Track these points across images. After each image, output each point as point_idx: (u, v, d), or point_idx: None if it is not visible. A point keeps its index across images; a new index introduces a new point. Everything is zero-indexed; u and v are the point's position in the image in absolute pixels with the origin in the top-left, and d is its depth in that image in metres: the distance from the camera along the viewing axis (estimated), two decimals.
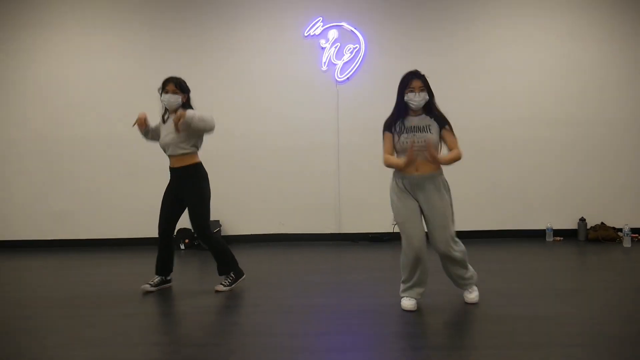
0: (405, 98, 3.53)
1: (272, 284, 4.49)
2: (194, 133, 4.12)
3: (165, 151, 4.24)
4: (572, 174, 6.36)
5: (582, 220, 6.25)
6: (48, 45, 6.49)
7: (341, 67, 6.31)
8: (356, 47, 6.30)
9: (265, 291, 4.24)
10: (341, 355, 2.82)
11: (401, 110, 3.55)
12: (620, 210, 6.24)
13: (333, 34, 6.28)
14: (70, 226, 6.54)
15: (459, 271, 3.61)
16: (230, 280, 4.25)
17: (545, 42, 6.34)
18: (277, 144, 6.41)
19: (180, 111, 4.02)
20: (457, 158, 3.50)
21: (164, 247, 4.30)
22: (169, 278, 4.38)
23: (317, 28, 6.29)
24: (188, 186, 4.19)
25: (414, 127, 3.51)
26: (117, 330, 3.29)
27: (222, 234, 6.33)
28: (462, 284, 3.67)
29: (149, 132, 4.25)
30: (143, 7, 6.45)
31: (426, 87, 3.52)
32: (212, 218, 6.28)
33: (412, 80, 3.53)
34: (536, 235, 6.33)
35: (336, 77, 6.32)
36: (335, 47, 6.29)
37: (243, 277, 4.35)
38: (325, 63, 6.32)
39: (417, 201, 3.54)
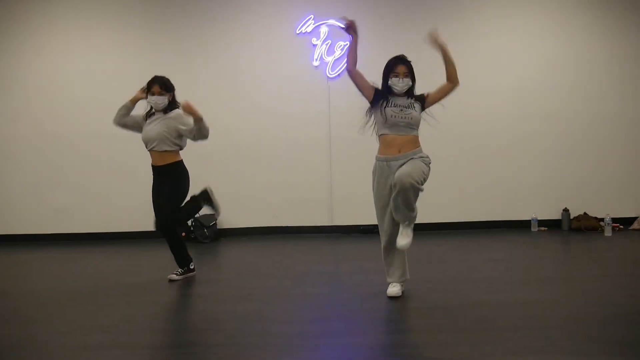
0: (389, 82, 3.63)
1: (267, 274, 4.68)
2: (188, 135, 4.27)
3: (147, 145, 4.28)
4: (556, 167, 6.57)
5: (566, 210, 6.47)
6: (48, 45, 6.60)
7: (332, 64, 6.46)
8: (347, 44, 6.45)
9: (261, 281, 4.43)
10: (334, 340, 3.01)
11: (384, 91, 3.66)
12: (602, 201, 6.46)
13: (324, 31, 6.43)
14: (69, 221, 6.68)
15: (409, 205, 3.49)
16: (183, 270, 4.42)
17: (530, 39, 6.53)
18: (270, 138, 6.57)
19: (198, 113, 4.13)
20: (453, 65, 3.71)
21: (170, 239, 4.36)
22: (192, 267, 4.50)
23: (308, 26, 6.44)
24: (168, 183, 4.27)
25: (399, 104, 3.60)
26: (121, 317, 3.45)
27: (217, 227, 6.49)
28: (398, 217, 3.59)
29: (130, 112, 4.37)
30: (140, 8, 6.57)
31: (410, 73, 3.63)
32: (207, 212, 6.52)
33: (398, 65, 3.63)
34: (522, 226, 6.55)
35: (327, 74, 6.49)
36: (327, 44, 6.45)
37: (193, 273, 4.51)
38: (316, 60, 6.47)
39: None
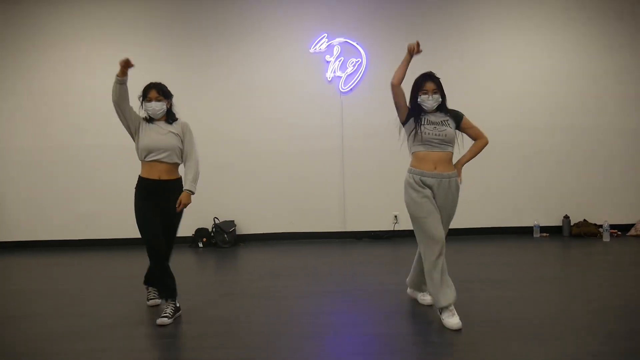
0: (419, 100, 3.55)
1: (285, 275, 5.05)
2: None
3: (149, 154, 3.78)
4: (557, 176, 6.92)
5: (566, 217, 6.81)
6: (72, 59, 6.98)
7: (345, 79, 6.86)
8: (358, 60, 6.85)
9: (279, 281, 4.80)
10: (351, 329, 3.40)
11: (415, 109, 3.58)
12: (601, 208, 6.80)
13: (337, 48, 6.83)
14: (95, 227, 7.08)
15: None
16: (172, 310, 3.71)
17: (531, 56, 6.89)
18: (286, 149, 6.96)
19: (183, 198, 3.73)
20: (484, 144, 3.66)
21: (165, 268, 3.78)
22: (178, 304, 3.82)
23: (322, 44, 6.84)
24: (174, 203, 3.78)
25: (433, 122, 3.54)
26: (152, 313, 3.83)
27: (236, 233, 6.88)
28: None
29: (124, 85, 3.84)
30: (162, 24, 6.97)
31: (439, 89, 3.55)
32: (227, 218, 6.92)
33: (426, 82, 3.54)
34: (525, 232, 6.89)
35: (340, 88, 6.88)
36: (339, 61, 6.85)
37: (180, 312, 3.84)
38: (330, 75, 6.88)
39: (434, 197, 3.53)
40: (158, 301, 4.02)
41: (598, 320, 3.40)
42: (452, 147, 3.59)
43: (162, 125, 3.85)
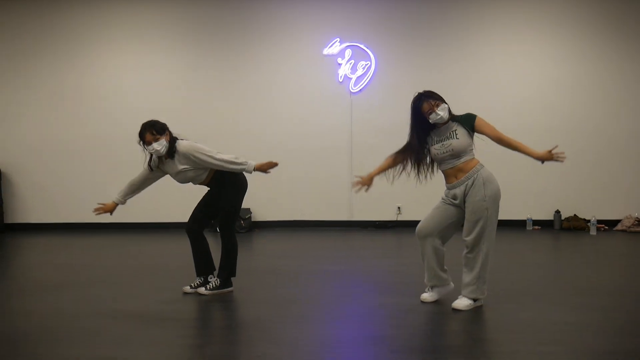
0: (431, 121, 3.60)
1: (296, 256, 5.68)
2: (200, 166, 3.98)
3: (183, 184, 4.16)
4: (549, 174, 7.40)
5: (557, 212, 7.34)
6: (108, 60, 7.67)
7: (355, 81, 7.44)
8: (368, 63, 7.42)
9: (291, 261, 5.42)
10: (353, 299, 4.01)
11: (422, 134, 3.69)
12: (589, 204, 7.32)
13: (348, 52, 7.41)
14: (123, 212, 7.71)
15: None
16: (213, 286, 4.10)
17: (529, 62, 7.42)
18: (299, 144, 7.56)
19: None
20: (512, 141, 3.70)
21: (192, 243, 4.23)
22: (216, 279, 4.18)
23: (334, 47, 7.42)
24: (221, 192, 4.13)
25: (439, 139, 3.65)
26: (177, 290, 4.45)
27: (252, 220, 7.51)
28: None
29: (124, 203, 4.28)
30: (183, 30, 7.60)
31: (439, 99, 3.60)
32: (244, 206, 7.51)
33: (422, 104, 3.60)
34: (518, 225, 7.44)
35: (350, 89, 7.46)
36: (350, 64, 7.42)
37: (230, 289, 4.16)
38: (341, 77, 7.45)
39: (464, 208, 3.62)
40: (188, 289, 4.18)
41: (573, 297, 3.98)
42: (466, 155, 3.61)
43: (171, 164, 3.98)
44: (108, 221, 7.63)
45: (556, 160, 3.75)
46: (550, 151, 3.73)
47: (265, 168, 4.16)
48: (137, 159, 7.54)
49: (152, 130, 3.88)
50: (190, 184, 4.18)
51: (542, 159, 3.76)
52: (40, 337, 3.24)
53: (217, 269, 4.24)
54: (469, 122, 3.67)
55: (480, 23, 7.43)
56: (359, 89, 7.45)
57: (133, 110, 7.62)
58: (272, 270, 5.01)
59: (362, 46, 7.43)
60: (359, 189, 4.07)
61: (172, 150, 3.94)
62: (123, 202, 4.31)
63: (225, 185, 4.10)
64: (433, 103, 3.58)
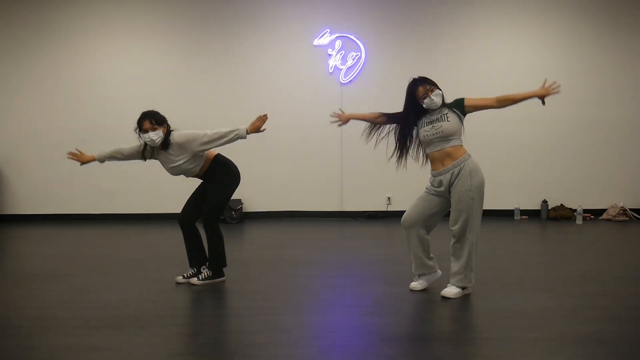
0: (425, 104, 3.67)
1: (287, 246, 5.72)
2: (196, 154, 4.03)
3: (176, 176, 4.19)
4: (537, 164, 7.54)
5: (545, 202, 7.45)
6: (98, 51, 7.63)
7: (345, 71, 7.47)
8: (358, 54, 7.45)
9: (282, 251, 5.47)
10: (344, 288, 4.06)
11: (415, 116, 3.74)
12: (576, 194, 7.43)
13: (338, 43, 7.43)
14: (114, 203, 7.75)
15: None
16: (205, 276, 4.16)
17: (515, 54, 7.48)
18: (290, 135, 7.58)
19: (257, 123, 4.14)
20: (508, 96, 3.84)
21: (184, 234, 4.29)
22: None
23: (324, 38, 7.43)
24: (215, 181, 4.18)
25: (431, 120, 3.69)
26: (170, 280, 4.49)
27: (243, 211, 7.53)
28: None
29: (103, 162, 4.30)
30: (175, 22, 7.58)
31: (433, 85, 3.68)
32: (235, 197, 7.55)
33: (418, 87, 3.66)
34: (506, 214, 7.53)
35: (341, 80, 7.49)
36: (340, 54, 7.44)
37: (222, 279, 4.21)
38: (331, 68, 7.48)
39: (449, 197, 3.68)
40: (180, 279, 4.22)
41: (558, 284, 4.06)
42: (455, 139, 3.66)
43: (165, 156, 4.01)
44: (98, 212, 7.71)
45: (554, 93, 3.81)
46: (544, 86, 3.80)
47: (258, 126, 4.20)
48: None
49: (151, 119, 3.90)
50: (182, 176, 4.20)
51: (542, 97, 3.82)
52: (33, 327, 3.26)
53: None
54: (459, 106, 3.74)
55: (470, 14, 7.48)
56: (349, 79, 7.48)
57: (124, 101, 7.62)
58: (264, 260, 5.05)
59: (352, 37, 7.46)
60: (335, 121, 4.28)
61: (166, 142, 3.95)
62: (101, 161, 4.31)
63: (217, 177, 4.14)
64: (428, 88, 3.65)
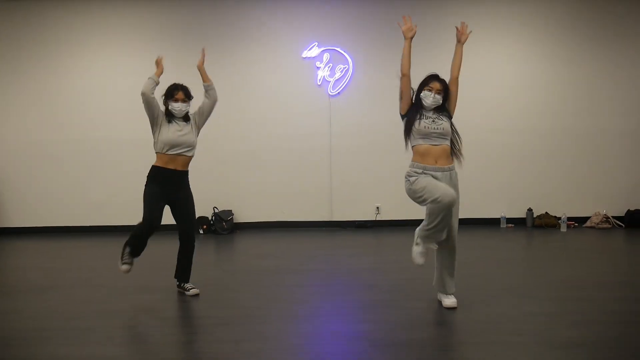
0: (421, 95, 3.73)
1: (277, 256, 5.80)
2: (206, 110, 4.48)
3: (172, 148, 4.13)
4: (522, 172, 7.69)
5: (530, 210, 7.59)
6: (90, 64, 7.64)
7: (333, 84, 7.58)
8: (346, 67, 7.58)
9: (273, 261, 5.54)
10: (333, 296, 4.15)
11: (417, 104, 3.78)
12: (560, 202, 7.57)
13: (326, 55, 7.55)
14: (104, 214, 7.78)
15: (451, 269, 3.81)
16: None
17: (504, 67, 7.63)
18: (279, 146, 7.67)
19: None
20: (454, 63, 3.98)
21: (191, 249, 4.34)
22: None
23: (312, 50, 7.56)
24: (188, 191, 4.30)
25: (431, 116, 3.72)
26: (171, 287, 4.54)
27: (233, 222, 7.60)
28: (446, 283, 3.83)
29: (158, 83, 4.41)
30: (168, 35, 7.66)
31: (444, 92, 3.75)
32: (225, 208, 7.65)
33: (433, 80, 3.76)
34: (492, 223, 7.67)
35: (329, 92, 7.61)
36: (329, 67, 7.56)
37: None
38: (319, 80, 7.59)
39: None
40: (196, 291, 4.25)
41: (542, 290, 4.18)
42: (449, 140, 3.75)
43: (181, 123, 4.21)
44: (88, 224, 7.73)
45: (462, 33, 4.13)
46: (457, 29, 4.11)
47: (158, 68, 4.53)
48: (118, 162, 7.56)
49: (186, 91, 4.25)
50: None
51: (460, 40, 4.16)
52: (31, 336, 3.32)
53: (188, 273, 4.33)
54: (447, 112, 3.84)
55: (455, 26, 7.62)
56: (337, 91, 7.60)
57: (113, 112, 7.68)
58: (254, 270, 5.12)
59: (339, 50, 7.59)
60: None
61: (187, 115, 4.28)
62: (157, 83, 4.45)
63: (188, 188, 4.32)
64: (440, 87, 3.75)
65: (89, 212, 7.77)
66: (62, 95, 7.72)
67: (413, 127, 3.70)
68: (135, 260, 4.29)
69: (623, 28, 7.62)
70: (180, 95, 4.20)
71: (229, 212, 7.58)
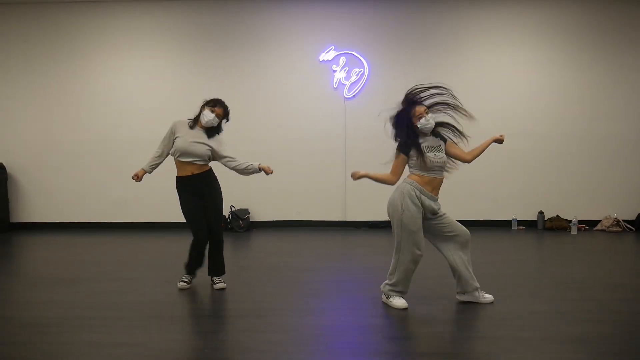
0: (420, 125, 3.75)
1: (292, 254, 5.98)
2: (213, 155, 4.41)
3: (183, 156, 4.29)
4: (534, 176, 7.81)
5: (541, 213, 7.71)
6: (112, 66, 7.93)
7: (349, 87, 7.76)
8: (361, 70, 7.76)
9: (288, 258, 5.73)
10: (347, 293, 4.33)
11: (411, 134, 3.78)
12: (571, 205, 7.69)
13: (343, 59, 7.73)
14: (125, 212, 8.03)
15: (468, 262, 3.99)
16: (222, 280, 4.53)
17: (515, 71, 7.76)
18: (295, 147, 7.88)
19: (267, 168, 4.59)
20: (475, 150, 4.02)
21: (202, 246, 4.43)
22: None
23: (329, 54, 7.74)
24: (215, 187, 4.45)
25: (432, 147, 3.81)
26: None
27: (250, 220, 7.81)
28: (473, 283, 3.97)
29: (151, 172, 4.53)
30: (189, 38, 7.89)
31: (428, 108, 3.81)
32: (242, 207, 7.85)
33: (415, 107, 3.77)
34: (504, 225, 7.80)
35: (345, 95, 7.79)
36: (344, 70, 7.75)
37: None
38: (336, 82, 7.78)
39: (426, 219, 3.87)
40: (187, 285, 4.47)
41: (551, 290, 4.33)
42: (444, 172, 3.90)
43: (202, 134, 4.33)
44: (110, 221, 7.99)
45: (502, 139, 4.18)
46: (498, 136, 4.17)
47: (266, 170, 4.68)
48: (139, 161, 7.73)
49: (226, 110, 4.40)
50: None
51: (498, 141, 4.19)
52: (64, 324, 3.54)
53: (219, 268, 4.54)
54: (444, 141, 3.97)
55: (470, 31, 7.78)
56: (352, 94, 7.78)
57: (134, 113, 7.93)
58: (271, 266, 5.32)
59: (355, 54, 7.76)
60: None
61: (212, 133, 4.37)
62: (149, 173, 4.59)
63: (215, 185, 4.47)
64: (424, 109, 3.79)
65: (111, 209, 8.03)
66: (85, 96, 7.98)
67: (419, 161, 3.76)
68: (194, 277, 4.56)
69: (639, 33, 7.71)
70: (219, 110, 4.35)
71: (246, 211, 7.79)
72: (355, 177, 4.04)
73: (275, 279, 4.77)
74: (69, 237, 7.31)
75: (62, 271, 5.18)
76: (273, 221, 7.97)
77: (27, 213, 8.08)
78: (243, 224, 7.67)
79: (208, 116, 4.30)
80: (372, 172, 4.02)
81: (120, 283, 4.65)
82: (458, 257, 3.96)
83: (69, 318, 3.69)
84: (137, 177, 4.48)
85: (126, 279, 4.81)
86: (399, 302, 3.88)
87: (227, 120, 4.48)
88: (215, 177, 4.50)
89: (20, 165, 8.04)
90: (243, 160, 4.46)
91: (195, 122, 4.39)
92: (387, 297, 3.95)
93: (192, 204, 4.34)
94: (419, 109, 3.77)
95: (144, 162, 4.58)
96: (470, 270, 3.98)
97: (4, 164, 7.93)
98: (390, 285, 3.94)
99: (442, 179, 3.88)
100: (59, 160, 8.01)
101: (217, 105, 4.36)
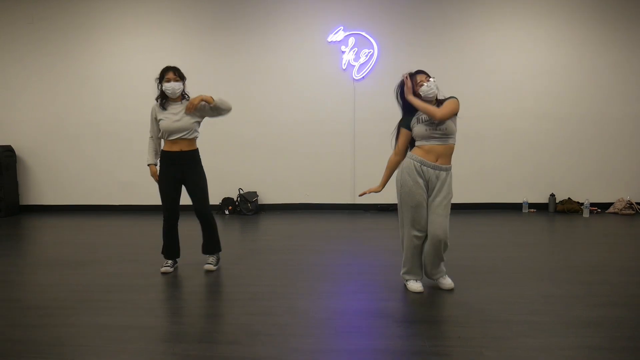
0: (422, 93, 3.67)
1: (301, 237, 5.95)
2: (209, 114, 4.34)
3: (172, 135, 4.25)
4: (545, 158, 7.70)
5: (552, 195, 7.62)
6: (118, 49, 7.87)
7: (358, 68, 7.66)
8: (370, 51, 7.64)
9: (296, 241, 5.70)
10: (356, 276, 4.29)
11: (410, 110, 3.76)
12: (583, 188, 7.59)
13: (352, 40, 7.62)
14: (133, 194, 8.03)
15: (439, 260, 3.87)
16: (216, 260, 4.55)
17: (526, 49, 7.61)
18: (304, 129, 7.81)
19: (202, 95, 4.20)
20: (431, 111, 3.58)
21: (171, 230, 4.48)
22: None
23: (338, 35, 7.62)
24: (197, 169, 4.38)
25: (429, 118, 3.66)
26: (193, 263, 4.73)
27: (258, 203, 7.78)
28: (435, 272, 3.93)
29: (157, 153, 4.42)
30: (196, 19, 7.81)
31: (428, 75, 3.72)
32: (251, 189, 7.82)
33: (416, 76, 3.72)
34: (515, 207, 7.72)
35: (353, 76, 7.69)
36: (353, 51, 7.63)
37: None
38: (345, 64, 7.67)
39: (427, 188, 3.73)
40: (170, 269, 4.46)
41: (563, 273, 4.26)
42: (454, 138, 3.72)
43: (178, 107, 4.29)
44: (117, 203, 8.00)
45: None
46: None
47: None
48: (146, 142, 7.70)
49: (176, 71, 4.28)
50: None
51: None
52: (74, 306, 3.54)
53: (209, 246, 4.55)
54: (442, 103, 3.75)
55: (481, 11, 7.63)
56: (361, 76, 7.67)
57: (142, 96, 7.86)
58: (280, 249, 5.29)
59: (364, 34, 7.64)
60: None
61: (184, 94, 4.34)
62: (156, 164, 4.48)
63: (199, 166, 4.39)
64: (424, 77, 3.72)
65: (119, 192, 8.03)
66: (93, 78, 7.94)
67: (415, 132, 3.72)
68: (175, 263, 4.57)
69: None
70: (170, 75, 4.26)
71: (254, 194, 7.75)
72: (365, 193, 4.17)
73: (284, 262, 4.74)
74: (78, 220, 7.32)
75: (70, 254, 5.18)
76: (281, 204, 7.94)
77: (36, 196, 8.11)
78: (251, 207, 7.64)
79: (170, 87, 4.25)
80: (379, 183, 4.07)
81: (128, 266, 4.64)
82: (427, 246, 3.84)
83: (78, 300, 3.69)
84: (156, 175, 4.44)
85: (134, 261, 4.81)
86: (414, 285, 3.88)
87: (184, 77, 4.37)
88: (199, 159, 4.43)
89: (28, 148, 8.04)
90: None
91: (164, 101, 4.34)
92: (405, 281, 3.95)
93: (164, 184, 4.34)
94: (419, 77, 3.73)
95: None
96: (432, 263, 3.88)
97: (12, 146, 7.94)
98: (402, 267, 3.96)
99: (447, 146, 3.68)
100: (68, 143, 8.01)
101: (166, 73, 4.29)
